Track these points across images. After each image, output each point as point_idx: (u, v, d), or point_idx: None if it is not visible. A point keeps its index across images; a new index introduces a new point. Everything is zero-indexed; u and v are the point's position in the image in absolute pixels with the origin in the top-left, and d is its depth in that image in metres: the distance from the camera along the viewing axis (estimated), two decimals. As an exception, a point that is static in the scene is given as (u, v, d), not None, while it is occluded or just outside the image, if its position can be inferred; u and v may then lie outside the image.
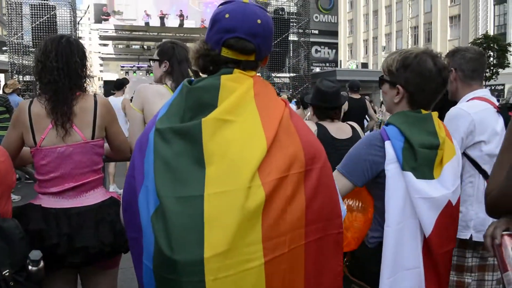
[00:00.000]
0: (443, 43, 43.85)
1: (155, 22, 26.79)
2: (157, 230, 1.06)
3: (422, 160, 1.51)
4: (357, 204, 1.71)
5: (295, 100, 15.54)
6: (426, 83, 1.57)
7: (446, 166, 1.55)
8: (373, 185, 1.62)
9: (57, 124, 2.07)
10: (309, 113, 6.86)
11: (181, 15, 26.97)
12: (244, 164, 1.06)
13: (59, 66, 2.11)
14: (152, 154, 1.12)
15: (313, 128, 2.63)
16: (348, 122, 2.83)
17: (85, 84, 2.25)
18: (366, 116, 7.00)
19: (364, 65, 42.70)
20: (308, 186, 1.13)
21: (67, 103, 2.11)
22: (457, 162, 1.64)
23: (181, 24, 27.02)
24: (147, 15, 26.55)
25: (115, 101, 7.44)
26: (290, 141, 1.13)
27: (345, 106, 6.38)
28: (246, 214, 1.03)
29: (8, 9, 22.08)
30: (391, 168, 1.51)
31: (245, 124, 1.12)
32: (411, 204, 1.51)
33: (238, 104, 1.13)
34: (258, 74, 1.29)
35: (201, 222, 1.03)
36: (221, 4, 1.26)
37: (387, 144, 1.54)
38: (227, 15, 1.19)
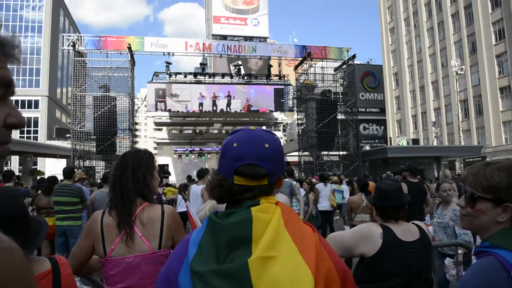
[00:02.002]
0: (495, 114, 42.79)
1: (207, 102, 28.63)
2: None
3: None
4: None
5: (346, 180, 15.35)
6: None
7: None
8: None
9: (125, 235, 2.15)
10: (366, 200, 6.73)
11: (229, 96, 28.91)
12: None
13: (127, 181, 2.24)
14: None
15: (378, 230, 2.54)
16: (414, 222, 2.71)
17: (152, 196, 2.34)
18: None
19: (415, 141, 42.09)
20: None
21: (135, 215, 2.20)
22: None
23: (229, 103, 28.87)
24: (202, 96, 28.42)
25: (197, 188, 7.85)
26: (326, 267, 1.13)
27: (404, 190, 6.19)
28: None
29: (73, 100, 23.93)
30: None
31: (287, 258, 1.10)
32: None
33: (275, 238, 1.12)
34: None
35: None
36: (230, 134, 1.30)
37: None
38: (235, 144, 1.22)
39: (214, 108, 28.76)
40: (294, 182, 7.97)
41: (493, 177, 1.49)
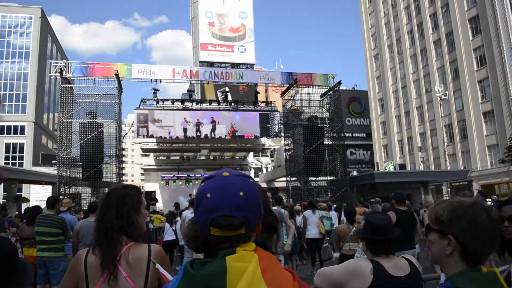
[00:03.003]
0: (480, 138, 43.46)
1: (191, 128, 28.44)
2: None
3: None
4: None
5: (335, 205, 15.34)
6: (479, 236, 1.50)
7: None
8: None
9: (108, 276, 2.09)
10: (355, 228, 6.71)
11: (213, 121, 28.80)
12: None
13: (110, 219, 2.20)
14: None
15: (368, 265, 2.52)
16: (404, 255, 2.70)
17: (139, 234, 2.29)
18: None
19: (402, 166, 42.44)
20: None
21: (119, 255, 2.14)
22: None
23: (213, 129, 28.70)
24: (186, 122, 28.25)
25: (189, 215, 7.86)
26: None
27: (393, 218, 6.20)
28: None
29: (59, 127, 23.74)
30: None
31: None
32: None
33: None
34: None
35: None
36: (203, 180, 1.27)
37: None
38: (208, 194, 1.19)
39: (198, 134, 28.53)
40: (283, 210, 7.93)
41: (441, 210, 1.57)
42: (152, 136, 28.62)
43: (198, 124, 28.41)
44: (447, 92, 41.43)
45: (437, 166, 48.11)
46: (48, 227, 6.90)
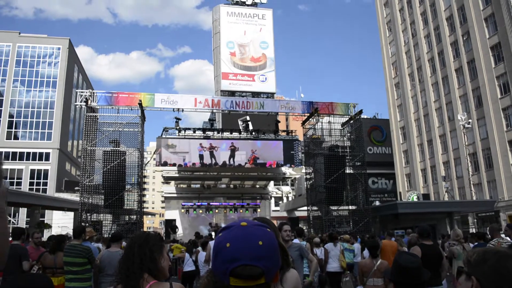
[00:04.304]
0: (506, 168, 42.36)
1: (207, 154, 27.73)
2: None
3: None
4: None
5: (359, 237, 15.04)
6: (503, 283, 1.47)
7: None
8: None
9: None
10: (379, 262, 6.54)
11: (233, 147, 28.20)
12: None
13: (133, 256, 2.21)
14: None
15: (397, 310, 2.44)
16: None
17: (161, 277, 2.28)
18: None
19: (425, 196, 41.54)
20: None
21: None
22: None
23: (232, 155, 28.02)
24: (202, 147, 27.85)
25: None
26: None
27: (418, 253, 6.01)
28: None
29: (83, 154, 24.18)
30: None
31: None
32: None
33: None
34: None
35: None
36: (221, 231, 1.28)
37: None
38: (228, 244, 1.19)
39: (213, 159, 27.74)
40: (304, 243, 7.77)
41: (471, 252, 1.60)
42: (165, 163, 27.89)
43: (211, 148, 27.74)
44: (470, 120, 40.83)
45: (462, 196, 46.92)
46: (74, 257, 6.91)
